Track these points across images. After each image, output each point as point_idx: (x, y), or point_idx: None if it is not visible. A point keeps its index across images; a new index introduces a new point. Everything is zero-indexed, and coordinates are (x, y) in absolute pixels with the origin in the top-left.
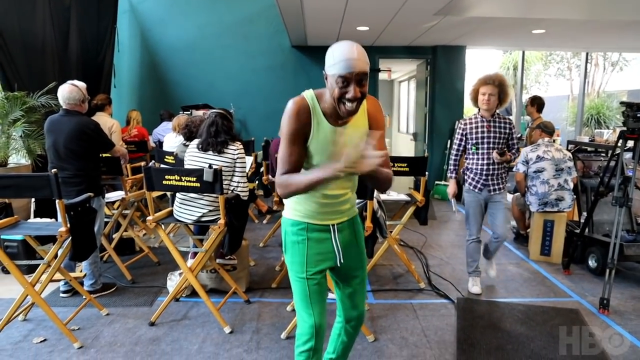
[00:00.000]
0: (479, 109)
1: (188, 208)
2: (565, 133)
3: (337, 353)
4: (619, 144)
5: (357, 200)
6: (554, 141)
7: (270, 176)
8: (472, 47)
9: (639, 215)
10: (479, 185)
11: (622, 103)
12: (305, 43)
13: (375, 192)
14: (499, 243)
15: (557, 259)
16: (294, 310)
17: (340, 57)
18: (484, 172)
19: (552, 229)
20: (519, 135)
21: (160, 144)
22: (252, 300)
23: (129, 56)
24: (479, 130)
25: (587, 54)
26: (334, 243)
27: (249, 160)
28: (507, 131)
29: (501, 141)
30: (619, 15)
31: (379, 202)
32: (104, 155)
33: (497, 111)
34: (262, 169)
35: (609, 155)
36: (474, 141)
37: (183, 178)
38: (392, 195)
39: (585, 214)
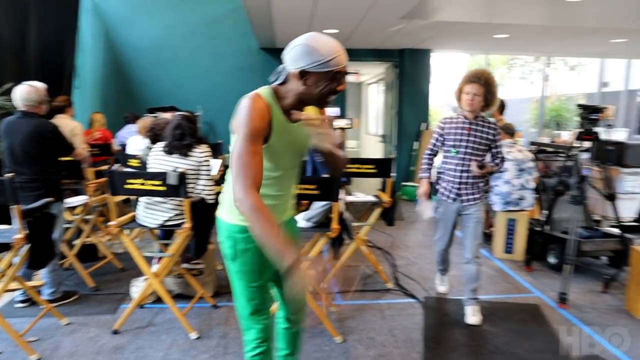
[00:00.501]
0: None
1: (152, 212)
2: (528, 134)
3: (291, 347)
4: (576, 145)
5: (323, 203)
6: (516, 142)
7: None
8: (438, 51)
9: (595, 213)
10: (452, 195)
11: (578, 106)
12: (273, 45)
13: (342, 194)
14: (470, 268)
15: (519, 256)
16: None
17: (333, 52)
18: (457, 180)
19: (514, 227)
20: None
21: (124, 147)
22: (219, 305)
23: (92, 56)
24: (458, 132)
25: (547, 58)
26: None
27: (217, 163)
28: (490, 137)
29: (482, 147)
30: (577, 23)
31: (345, 203)
32: (64, 159)
33: (484, 114)
34: None
35: (567, 155)
36: (452, 143)
37: (147, 182)
38: (359, 196)
39: (546, 212)
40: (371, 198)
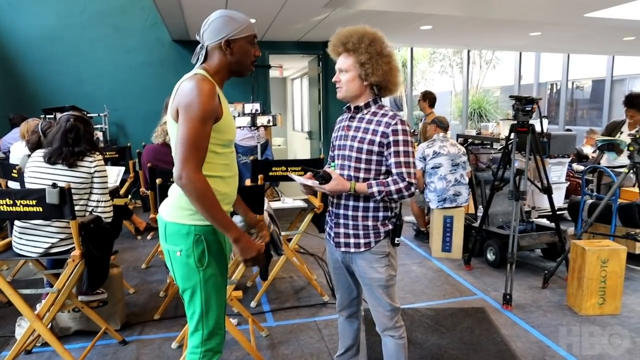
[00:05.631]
0: None
1: (31, 238)
2: (452, 127)
3: None
4: (511, 137)
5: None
6: (449, 137)
7: (144, 189)
8: None
9: (524, 204)
10: (331, 234)
11: (512, 97)
12: (187, 37)
13: (266, 204)
14: (385, 343)
15: (457, 254)
16: (180, 346)
17: (246, 19)
18: (332, 211)
19: (452, 225)
20: (412, 130)
21: (7, 154)
22: (128, 340)
23: None
24: (338, 134)
25: (468, 51)
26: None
27: (118, 170)
28: (379, 138)
29: (363, 155)
30: (494, 14)
31: (270, 215)
32: None
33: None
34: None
35: (496, 147)
36: (333, 152)
37: (18, 202)
38: (286, 202)
39: (481, 207)
40: (301, 203)
